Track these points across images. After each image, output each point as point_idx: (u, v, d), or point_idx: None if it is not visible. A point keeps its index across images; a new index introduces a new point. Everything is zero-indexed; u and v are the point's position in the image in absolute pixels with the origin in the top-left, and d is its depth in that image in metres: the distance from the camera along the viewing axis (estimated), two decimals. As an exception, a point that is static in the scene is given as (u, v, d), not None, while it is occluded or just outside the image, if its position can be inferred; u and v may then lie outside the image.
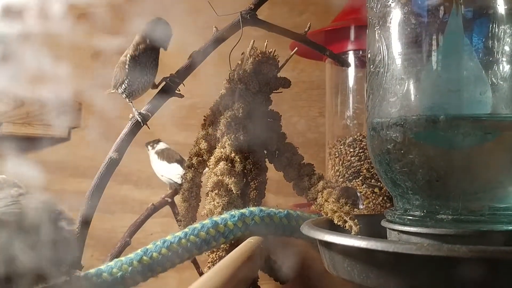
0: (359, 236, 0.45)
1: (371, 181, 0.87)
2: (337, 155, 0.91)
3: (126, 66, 0.70)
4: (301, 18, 1.21)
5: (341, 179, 0.90)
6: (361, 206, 0.88)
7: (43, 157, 1.24)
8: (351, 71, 0.92)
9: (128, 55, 0.70)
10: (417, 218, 0.49)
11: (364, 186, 0.87)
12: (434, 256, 0.39)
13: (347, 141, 0.90)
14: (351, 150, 0.89)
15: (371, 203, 0.86)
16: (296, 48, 0.73)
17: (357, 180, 0.88)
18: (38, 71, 1.06)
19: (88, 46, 1.19)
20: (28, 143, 1.18)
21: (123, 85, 0.71)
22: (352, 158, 0.89)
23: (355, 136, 0.90)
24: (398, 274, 0.43)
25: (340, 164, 0.91)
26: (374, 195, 0.86)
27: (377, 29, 0.52)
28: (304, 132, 1.21)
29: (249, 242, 0.56)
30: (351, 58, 0.91)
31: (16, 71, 1.06)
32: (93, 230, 1.19)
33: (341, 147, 0.91)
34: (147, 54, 0.70)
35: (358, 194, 0.89)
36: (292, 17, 1.22)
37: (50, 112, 1.20)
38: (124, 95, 0.72)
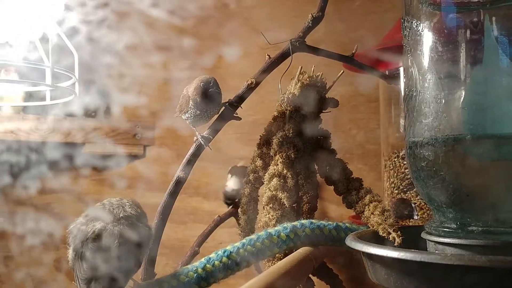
0: (393, 247, 0.50)
1: (425, 192, 0.89)
2: (392, 167, 0.94)
3: (190, 105, 0.75)
4: (356, 34, 1.24)
5: (396, 191, 0.93)
6: (415, 217, 0.91)
7: (122, 173, 1.36)
8: (404, 85, 0.94)
9: (191, 100, 0.75)
10: (451, 230, 0.53)
11: (418, 197, 0.90)
12: (456, 265, 0.43)
13: (401, 154, 0.93)
14: (405, 162, 0.92)
15: (425, 213, 0.89)
16: (343, 71, 0.78)
17: (411, 191, 0.91)
18: (115, 94, 1.18)
19: (162, 73, 1.29)
20: (108, 160, 1.31)
21: (187, 114, 0.77)
22: (406, 170, 0.92)
23: (408, 149, 0.92)
24: (427, 281, 0.47)
25: (395, 176, 0.94)
26: (428, 206, 0.88)
27: (409, 55, 0.57)
28: (364, 144, 1.24)
29: (298, 253, 0.62)
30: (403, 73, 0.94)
31: (96, 96, 1.18)
32: (168, 240, 1.30)
33: (395, 159, 0.94)
34: (206, 101, 0.75)
35: (413, 205, 0.92)
36: (348, 33, 1.26)
37: (126, 132, 1.32)
38: (187, 121, 0.78)
